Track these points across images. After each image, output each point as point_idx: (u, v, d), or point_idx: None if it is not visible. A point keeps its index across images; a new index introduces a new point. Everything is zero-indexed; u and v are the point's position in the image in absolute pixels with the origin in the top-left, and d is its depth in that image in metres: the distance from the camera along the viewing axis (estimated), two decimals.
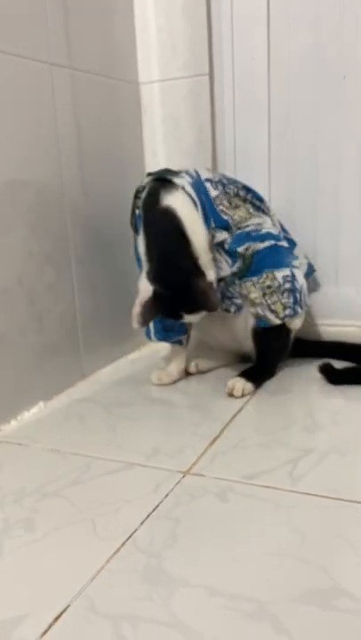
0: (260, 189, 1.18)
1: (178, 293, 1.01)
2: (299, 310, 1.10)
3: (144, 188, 1.07)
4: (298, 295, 1.09)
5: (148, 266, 1.03)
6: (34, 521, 0.73)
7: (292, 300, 1.08)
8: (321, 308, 1.29)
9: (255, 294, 1.08)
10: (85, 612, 0.58)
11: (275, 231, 1.13)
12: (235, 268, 1.08)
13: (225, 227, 1.07)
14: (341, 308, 1.27)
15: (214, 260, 1.07)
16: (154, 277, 1.01)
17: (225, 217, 1.07)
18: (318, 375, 1.10)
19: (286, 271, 1.08)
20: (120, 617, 0.56)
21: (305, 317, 1.19)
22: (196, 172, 1.09)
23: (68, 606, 0.58)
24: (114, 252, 1.26)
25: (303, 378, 1.14)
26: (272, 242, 1.10)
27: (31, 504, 0.76)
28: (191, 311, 1.03)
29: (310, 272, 1.23)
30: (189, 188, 1.05)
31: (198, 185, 1.07)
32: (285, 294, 1.08)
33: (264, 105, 1.26)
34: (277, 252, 1.10)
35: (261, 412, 1.03)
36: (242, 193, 1.12)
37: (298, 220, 1.28)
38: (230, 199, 1.10)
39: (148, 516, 0.72)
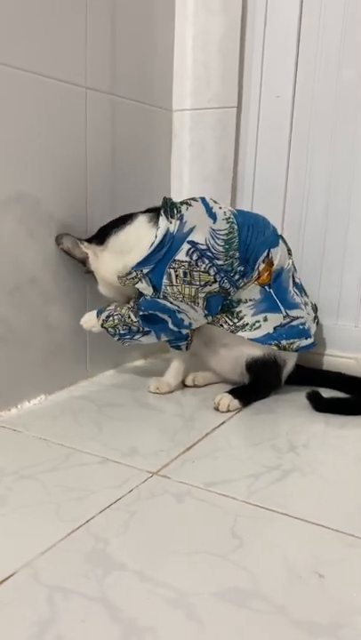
0: (274, 219, 1.23)
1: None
2: None
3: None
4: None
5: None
6: (6, 497, 0.80)
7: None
8: (321, 339, 1.32)
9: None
10: (28, 579, 0.64)
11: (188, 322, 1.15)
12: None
13: (155, 287, 1.10)
14: (341, 339, 1.31)
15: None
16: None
17: (164, 282, 1.08)
18: (306, 401, 1.13)
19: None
20: (56, 588, 0.63)
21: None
22: (190, 229, 1.07)
23: (15, 573, 0.65)
24: None
25: (291, 402, 1.18)
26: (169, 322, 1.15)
27: (8, 483, 0.84)
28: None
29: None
30: (161, 231, 1.07)
31: (176, 240, 1.07)
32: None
33: (285, 139, 1.33)
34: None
35: (241, 428, 1.07)
36: (212, 276, 1.09)
37: (306, 249, 1.34)
38: (192, 272, 1.08)
39: (108, 506, 0.78)
